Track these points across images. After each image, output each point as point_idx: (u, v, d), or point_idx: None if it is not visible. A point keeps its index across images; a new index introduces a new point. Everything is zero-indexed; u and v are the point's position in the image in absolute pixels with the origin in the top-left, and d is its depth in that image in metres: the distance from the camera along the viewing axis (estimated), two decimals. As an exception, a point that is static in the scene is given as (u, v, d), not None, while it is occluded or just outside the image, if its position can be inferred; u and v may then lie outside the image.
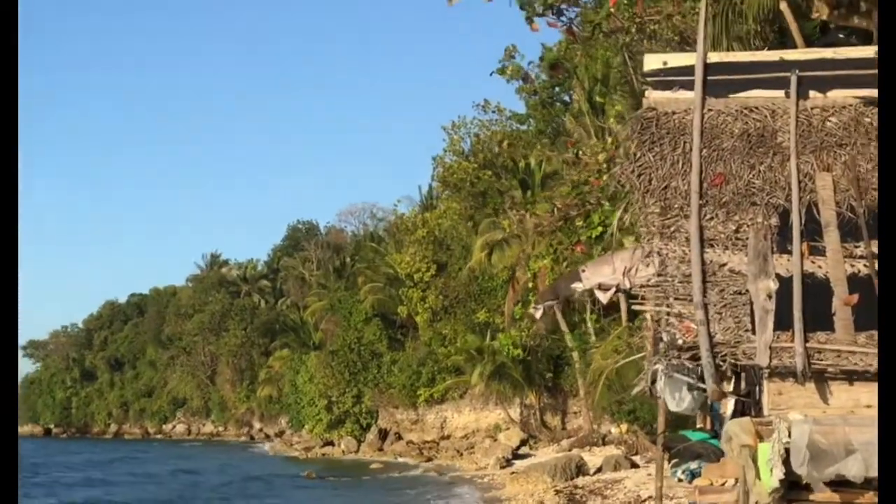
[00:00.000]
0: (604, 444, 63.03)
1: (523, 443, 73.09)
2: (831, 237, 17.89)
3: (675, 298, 17.79)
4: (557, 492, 47.41)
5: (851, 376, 16.57)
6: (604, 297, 20.86)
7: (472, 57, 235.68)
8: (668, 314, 17.68)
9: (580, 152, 44.53)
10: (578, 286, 20.86)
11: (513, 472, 59.03)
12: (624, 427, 60.62)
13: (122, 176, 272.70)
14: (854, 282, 17.24)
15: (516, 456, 68.77)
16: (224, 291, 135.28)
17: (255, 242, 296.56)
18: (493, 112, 75.99)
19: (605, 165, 36.55)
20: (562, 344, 69.49)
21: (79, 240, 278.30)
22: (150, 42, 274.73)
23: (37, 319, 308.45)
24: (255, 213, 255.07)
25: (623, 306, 50.76)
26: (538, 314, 22.07)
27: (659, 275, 18.21)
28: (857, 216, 17.99)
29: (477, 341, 74.38)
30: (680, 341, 17.22)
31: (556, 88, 66.83)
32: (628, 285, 20.02)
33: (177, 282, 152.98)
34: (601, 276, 20.58)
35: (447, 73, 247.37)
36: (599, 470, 52.82)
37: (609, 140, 38.19)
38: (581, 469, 53.16)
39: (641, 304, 18.95)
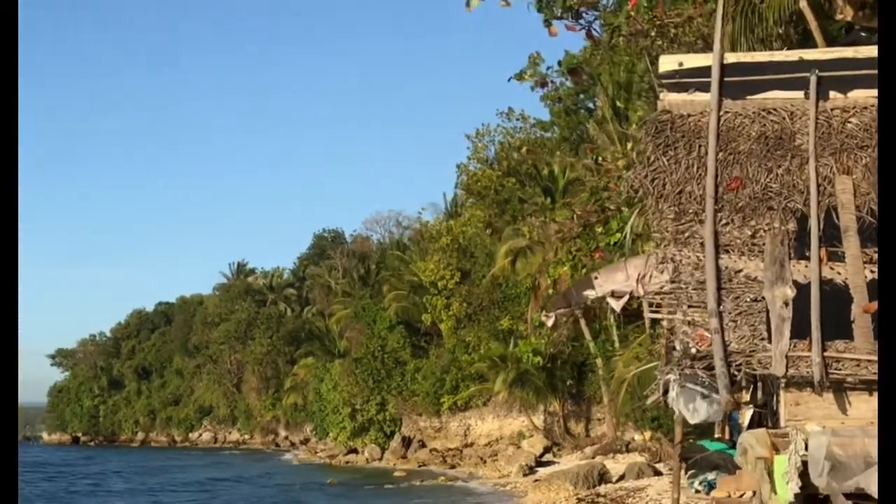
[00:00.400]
0: (627, 451, 62.54)
1: (547, 450, 72.60)
2: (851, 242, 17.42)
3: (689, 306, 17.42)
4: (579, 500, 47.12)
5: (871, 386, 16.03)
6: (617, 305, 20.32)
7: (496, 63, 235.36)
8: (682, 322, 17.22)
9: (600, 158, 44.04)
10: (591, 293, 20.33)
11: (536, 480, 58.61)
12: (647, 434, 60.05)
13: (151, 185, 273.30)
14: (874, 289, 16.57)
15: (540, 463, 68.37)
16: (250, 300, 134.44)
17: (282, 251, 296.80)
18: (518, 120, 75.61)
19: (624, 171, 36.00)
20: (585, 351, 68.99)
21: (107, 249, 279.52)
22: (177, 47, 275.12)
23: (65, 328, 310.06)
24: (282, 222, 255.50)
25: (646, 314, 50.12)
26: (550, 322, 21.48)
27: (672, 281, 17.83)
28: (877, 221, 17.35)
29: (500, 348, 73.83)
30: (693, 350, 16.82)
31: (581, 95, 66.36)
32: (642, 293, 19.46)
33: (203, 290, 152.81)
34: (614, 283, 20.03)
35: (474, 81, 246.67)
36: (622, 477, 52.44)
37: (629, 145, 37.57)
38: (604, 477, 52.81)
39: (655, 311, 18.50)
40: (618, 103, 52.78)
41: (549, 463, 68.41)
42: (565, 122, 67.78)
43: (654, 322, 37.42)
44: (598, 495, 47.97)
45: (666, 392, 17.63)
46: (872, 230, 17.40)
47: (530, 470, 65.53)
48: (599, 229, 45.38)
